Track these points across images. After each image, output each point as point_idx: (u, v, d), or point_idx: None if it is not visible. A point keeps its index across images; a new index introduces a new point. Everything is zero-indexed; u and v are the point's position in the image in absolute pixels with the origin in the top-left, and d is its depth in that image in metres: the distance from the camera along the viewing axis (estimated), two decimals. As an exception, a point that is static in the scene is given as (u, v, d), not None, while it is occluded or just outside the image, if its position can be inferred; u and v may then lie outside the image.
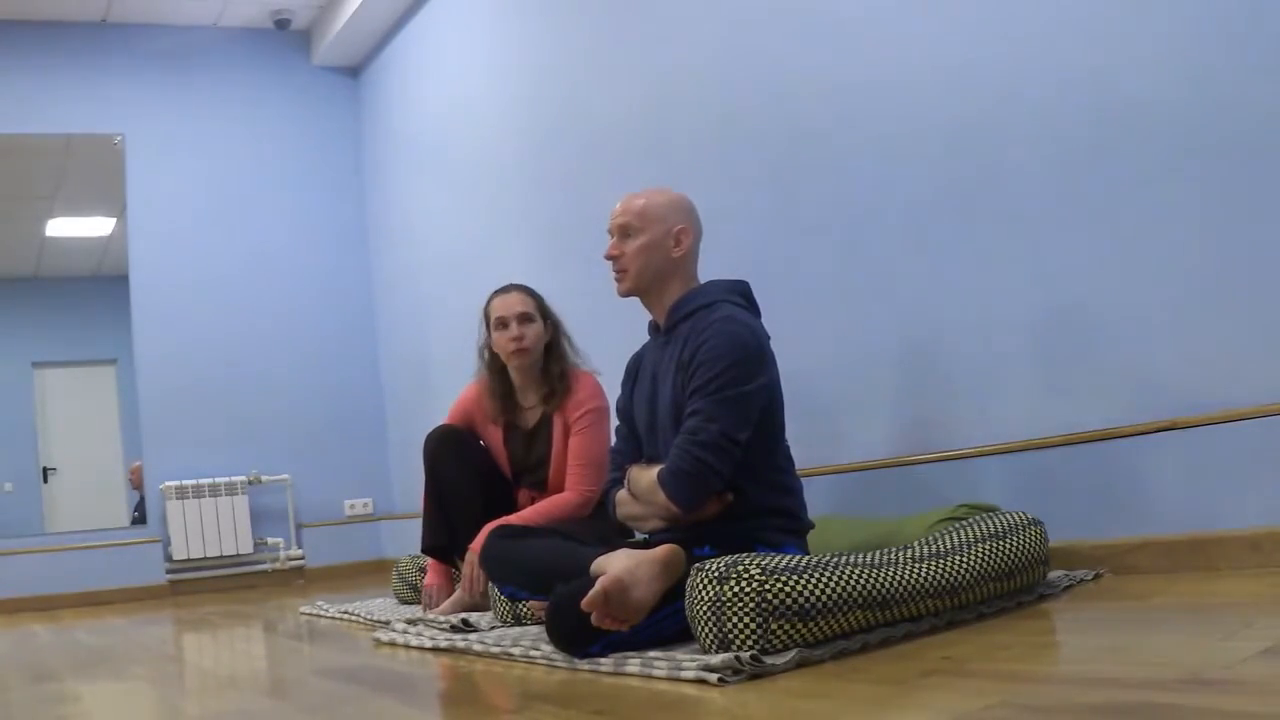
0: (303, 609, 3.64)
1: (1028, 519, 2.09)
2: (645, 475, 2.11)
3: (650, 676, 1.68)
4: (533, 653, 1.97)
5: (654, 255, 2.21)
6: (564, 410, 2.97)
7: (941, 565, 1.87)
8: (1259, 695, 1.14)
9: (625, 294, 2.27)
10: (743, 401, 2.04)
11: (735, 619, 1.67)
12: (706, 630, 1.72)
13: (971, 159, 2.52)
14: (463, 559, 2.90)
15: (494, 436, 3.10)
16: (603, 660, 1.80)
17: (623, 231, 2.23)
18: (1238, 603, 1.75)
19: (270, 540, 5.53)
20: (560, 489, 2.95)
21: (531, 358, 2.99)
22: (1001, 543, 1.98)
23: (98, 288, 5.90)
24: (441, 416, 3.19)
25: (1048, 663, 1.56)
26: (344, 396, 5.81)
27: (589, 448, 2.91)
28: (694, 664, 1.62)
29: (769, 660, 1.62)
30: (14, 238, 5.79)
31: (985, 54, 2.48)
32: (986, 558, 1.94)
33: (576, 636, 1.85)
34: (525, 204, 4.40)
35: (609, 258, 2.25)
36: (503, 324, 2.97)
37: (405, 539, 4.99)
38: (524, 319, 2.97)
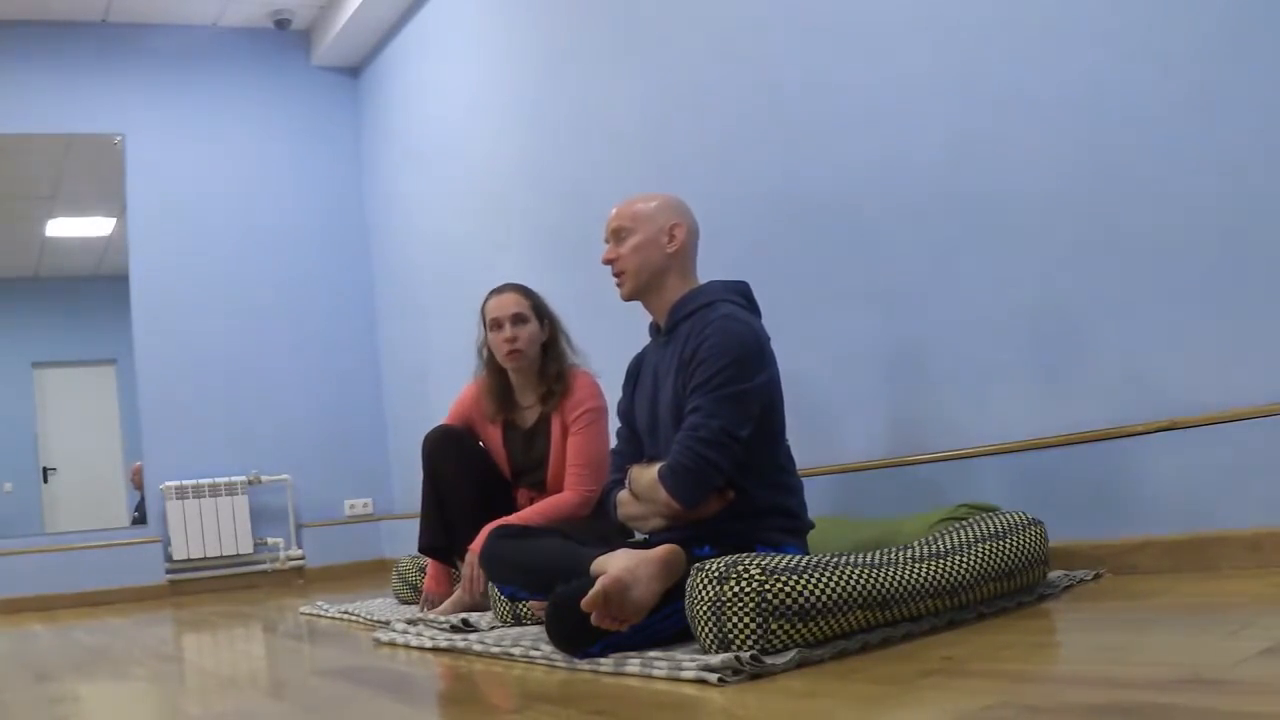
0: (303, 609, 3.64)
1: (1028, 519, 2.10)
2: (646, 473, 2.11)
3: (650, 676, 1.67)
4: (533, 653, 1.97)
5: (650, 253, 2.23)
6: (562, 410, 2.97)
7: (941, 565, 1.87)
8: (1259, 695, 1.14)
9: (627, 297, 2.28)
10: (743, 398, 2.05)
11: (735, 619, 1.67)
12: (706, 630, 1.72)
13: (972, 159, 2.52)
14: (462, 559, 2.90)
15: (493, 436, 3.09)
16: (603, 660, 1.80)
17: (617, 235, 2.27)
18: (1238, 603, 1.75)
19: (270, 540, 5.53)
20: (559, 489, 2.94)
21: (526, 359, 2.98)
22: (1001, 543, 1.99)
23: (98, 288, 5.89)
24: (441, 416, 3.18)
25: (1048, 663, 1.56)
26: (344, 396, 5.81)
27: (587, 448, 2.91)
28: (694, 664, 1.62)
29: (769, 660, 1.62)
30: (14, 238, 5.80)
31: (986, 55, 2.48)
32: (986, 558, 1.94)
33: (576, 636, 1.85)
34: (525, 204, 4.40)
35: (606, 262, 2.28)
36: (497, 325, 2.96)
37: (405, 539, 4.98)
38: (518, 320, 2.95)
